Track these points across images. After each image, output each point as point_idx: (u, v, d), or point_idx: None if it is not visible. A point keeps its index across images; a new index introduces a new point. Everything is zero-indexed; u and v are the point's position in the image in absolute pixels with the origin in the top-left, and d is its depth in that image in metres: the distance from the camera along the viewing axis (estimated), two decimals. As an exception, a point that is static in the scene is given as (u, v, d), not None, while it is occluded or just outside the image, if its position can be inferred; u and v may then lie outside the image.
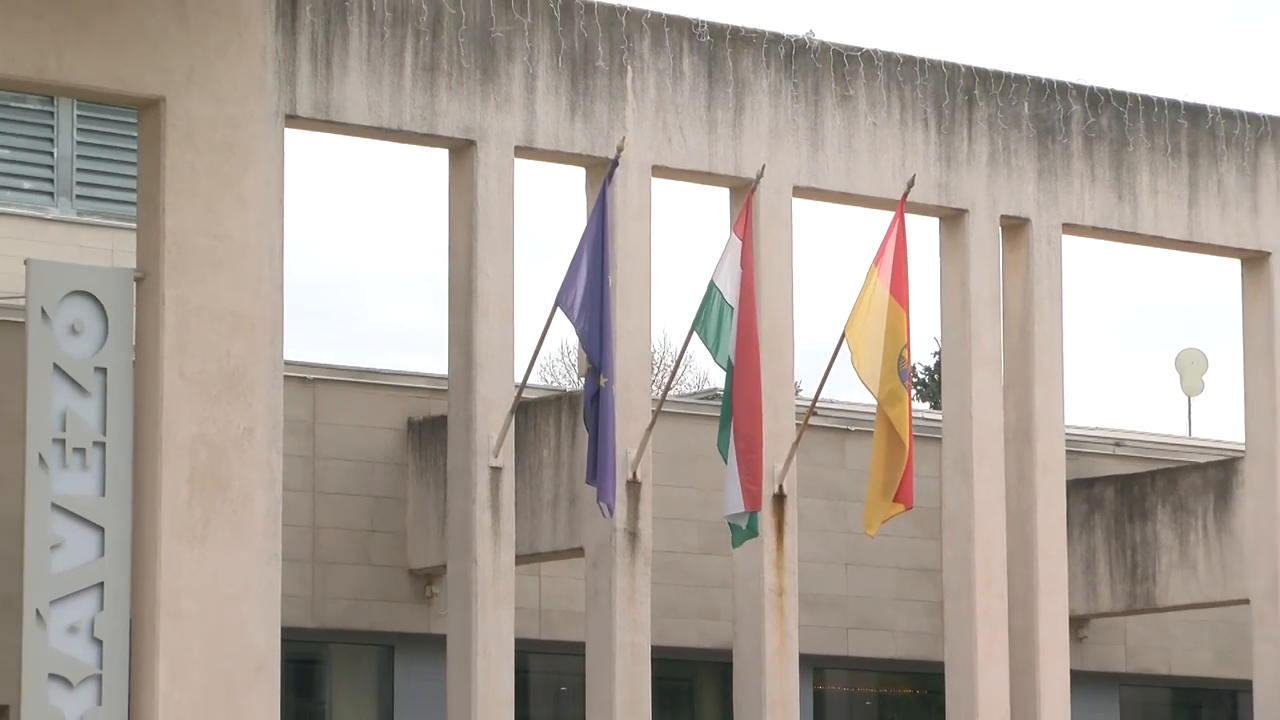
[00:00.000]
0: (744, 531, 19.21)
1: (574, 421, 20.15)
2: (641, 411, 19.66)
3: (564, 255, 18.87)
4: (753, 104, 20.49)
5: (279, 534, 18.39)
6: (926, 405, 24.64)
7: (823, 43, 20.93)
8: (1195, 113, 22.52)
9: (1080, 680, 22.04)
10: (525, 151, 19.66)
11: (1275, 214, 22.69)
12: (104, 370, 17.51)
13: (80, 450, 17.40)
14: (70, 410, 17.38)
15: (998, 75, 21.63)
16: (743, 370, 19.01)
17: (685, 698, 22.96)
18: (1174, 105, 22.40)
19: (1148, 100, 22.27)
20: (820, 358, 19.83)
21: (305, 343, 20.76)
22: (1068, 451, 21.81)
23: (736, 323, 18.99)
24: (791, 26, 20.87)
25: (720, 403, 19.77)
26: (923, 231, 20.92)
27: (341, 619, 21.57)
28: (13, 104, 26.46)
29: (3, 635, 17.60)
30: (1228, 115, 22.67)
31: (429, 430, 21.56)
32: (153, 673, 17.37)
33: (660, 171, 20.16)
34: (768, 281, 19.88)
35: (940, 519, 21.35)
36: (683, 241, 22.92)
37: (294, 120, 18.78)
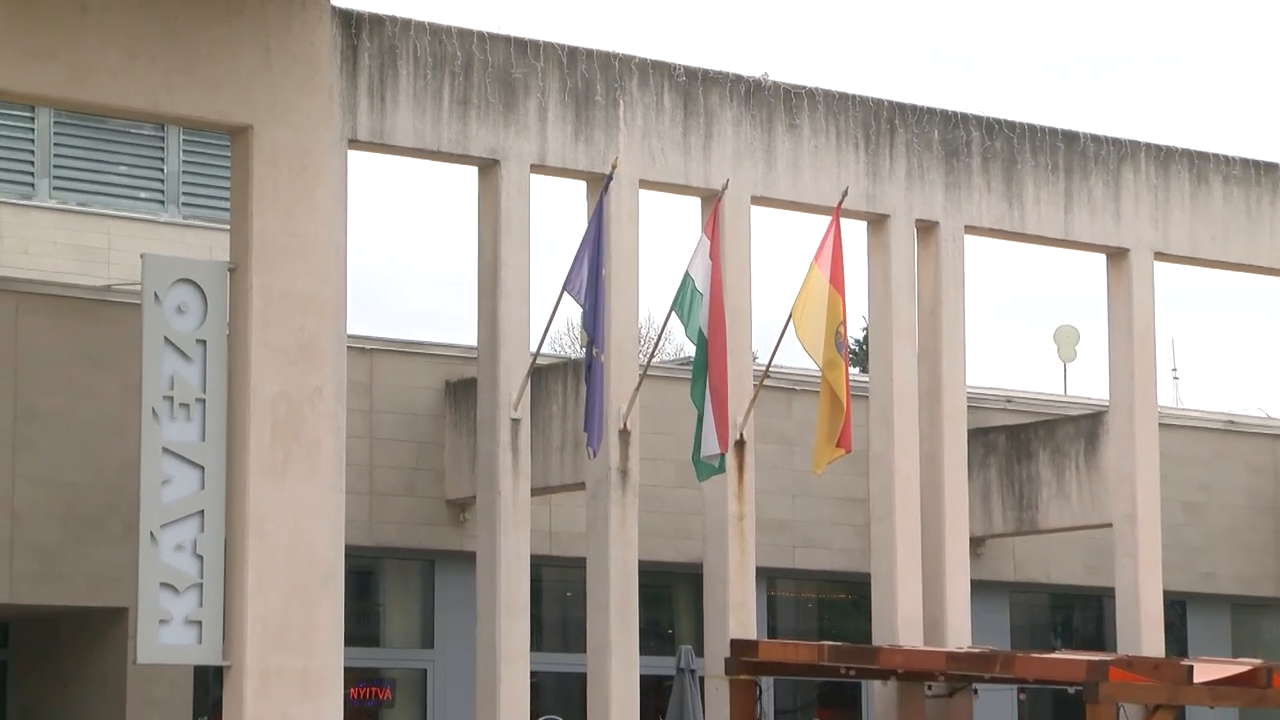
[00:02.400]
0: (714, 469, 19.24)
1: (577, 383, 20.15)
2: (630, 375, 19.65)
3: (569, 251, 18.88)
4: (719, 131, 20.47)
5: (343, 471, 18.39)
6: (857, 370, 24.66)
7: (775, 82, 20.94)
8: (1070, 137, 22.52)
9: (978, 588, 22.04)
10: (539, 168, 19.64)
11: (1133, 218, 22.70)
12: (204, 342, 17.50)
13: (185, 405, 17.39)
14: (177, 374, 17.37)
15: (914, 108, 21.62)
16: (713, 343, 19.04)
17: (666, 601, 22.96)
18: (1053, 131, 22.41)
19: (1032, 128, 22.29)
20: (773, 332, 19.83)
21: (363, 320, 20.79)
22: (968, 406, 21.80)
23: (707, 305, 19.02)
24: (750, 69, 20.94)
25: (693, 368, 19.81)
26: (854, 232, 20.91)
27: (392, 539, 21.58)
28: (132, 130, 26.42)
29: (124, 552, 17.61)
30: (1095, 139, 22.67)
31: (462, 389, 21.55)
32: (242, 582, 17.35)
33: (646, 184, 20.14)
34: (730, 272, 19.86)
35: (868, 460, 21.34)
36: (663, 240, 23.00)
37: (355, 143, 18.76)
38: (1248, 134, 65.65)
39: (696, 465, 19.23)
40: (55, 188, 26.35)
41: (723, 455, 19.10)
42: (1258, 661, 20.12)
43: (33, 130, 26.03)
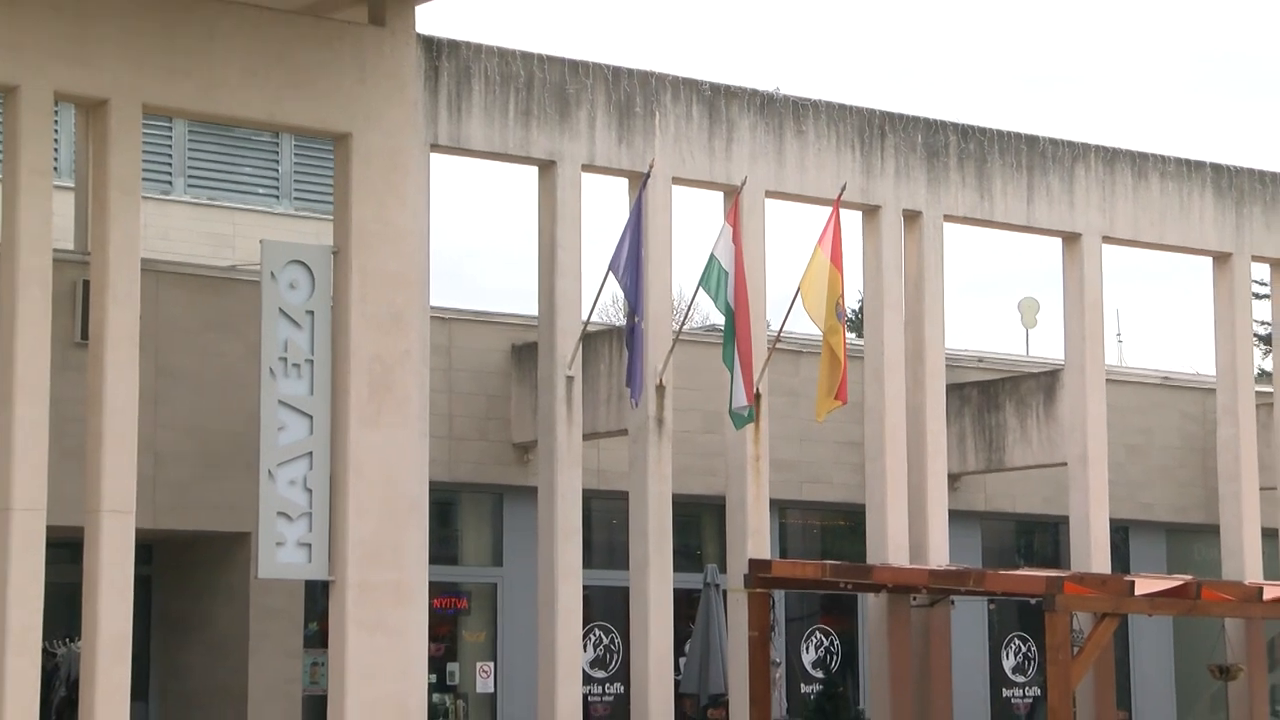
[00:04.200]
0: (745, 418, 19.28)
1: (620, 346, 20.18)
2: (665, 339, 19.66)
3: (613, 237, 18.90)
4: (738, 136, 20.44)
5: (426, 419, 18.45)
6: (853, 335, 24.66)
7: (785, 95, 20.90)
8: (1031, 140, 22.45)
9: (954, 516, 22.04)
10: (588, 168, 19.64)
11: (1084, 207, 22.63)
12: (312, 313, 17.53)
13: (296, 365, 17.42)
14: (290, 339, 17.40)
15: (900, 116, 21.58)
16: (739, 313, 19.03)
17: (694, 528, 23.01)
18: (1017, 135, 22.35)
19: (1000, 132, 22.23)
20: (784, 304, 19.84)
21: (443, 293, 20.79)
22: (946, 365, 21.79)
23: (733, 282, 19.03)
24: (764, 85, 20.91)
25: (719, 334, 19.81)
26: (851, 221, 20.90)
27: (468, 475, 21.62)
28: (252, 137, 26.50)
29: (247, 486, 17.68)
30: (1053, 142, 22.60)
31: (526, 351, 21.58)
32: (344, 511, 17.42)
33: (677, 181, 20.12)
34: (749, 254, 19.86)
35: (862, 410, 21.34)
36: (692, 227, 23.00)
37: (436, 147, 18.79)
38: (1181, 137, 65.34)
39: (732, 416, 19.28)
40: (189, 185, 26.45)
41: (751, 406, 19.16)
42: (1188, 578, 20.14)
43: (171, 138, 26.13)
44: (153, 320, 17.85)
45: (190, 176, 26.43)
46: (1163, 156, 23.44)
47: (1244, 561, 23.08)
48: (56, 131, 19.66)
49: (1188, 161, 23.59)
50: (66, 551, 17.01)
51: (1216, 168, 23.75)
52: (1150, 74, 70.65)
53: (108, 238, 16.69)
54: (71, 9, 16.52)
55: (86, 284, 17.42)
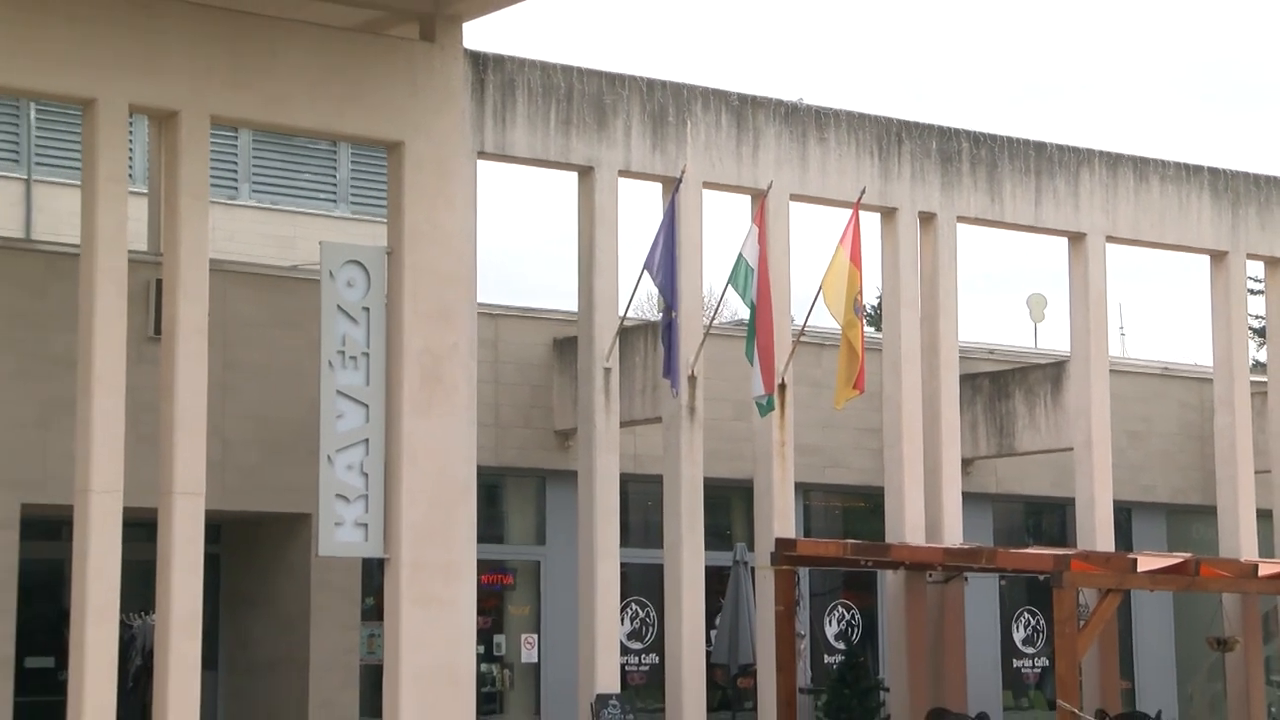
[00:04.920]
0: (766, 406, 19.27)
1: (655, 340, 20.16)
2: (697, 333, 19.65)
3: (648, 237, 18.91)
4: (764, 143, 20.41)
5: (474, 408, 18.46)
6: (872, 329, 24.63)
7: (808, 105, 20.86)
8: (1039, 146, 22.37)
9: (967, 498, 21.98)
10: (624, 174, 19.62)
11: (1089, 209, 22.54)
12: (367, 309, 17.55)
13: (353, 358, 17.44)
14: (347, 333, 17.43)
15: (916, 124, 21.52)
16: (761, 309, 19.01)
17: (724, 509, 23.01)
18: (1025, 142, 22.26)
19: (1010, 139, 22.15)
20: (807, 300, 19.81)
21: (490, 291, 20.79)
22: (959, 357, 21.74)
23: (756, 279, 19.01)
24: (788, 95, 20.88)
25: (746, 328, 19.77)
26: (869, 222, 20.85)
27: (513, 460, 21.64)
28: (311, 146, 26.58)
29: (308, 470, 17.71)
30: (1059, 148, 22.51)
31: (567, 345, 21.59)
32: (397, 493, 17.46)
33: (708, 185, 20.10)
34: (774, 253, 19.84)
35: (881, 399, 21.31)
36: (721, 229, 23.00)
37: (482, 154, 18.79)
38: (1180, 142, 65.05)
39: (757, 405, 19.31)
40: (254, 190, 26.53)
41: (770, 396, 19.14)
42: (1188, 555, 20.06)
43: (236, 146, 26.21)
44: (220, 316, 17.91)
45: (255, 183, 26.51)
46: (1163, 161, 23.34)
47: (1240, 540, 23.01)
48: (131, 141, 19.74)
49: (1186, 166, 23.50)
50: (142, 531, 17.08)
51: (1214, 171, 23.66)
52: (1151, 84, 70.35)
53: (178, 240, 16.76)
54: (145, 27, 16.58)
55: (159, 283, 17.49)
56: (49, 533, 18.38)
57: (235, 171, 26.21)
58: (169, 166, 17.08)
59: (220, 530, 20.03)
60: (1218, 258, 23.59)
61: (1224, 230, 23.53)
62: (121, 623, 16.63)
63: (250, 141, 26.28)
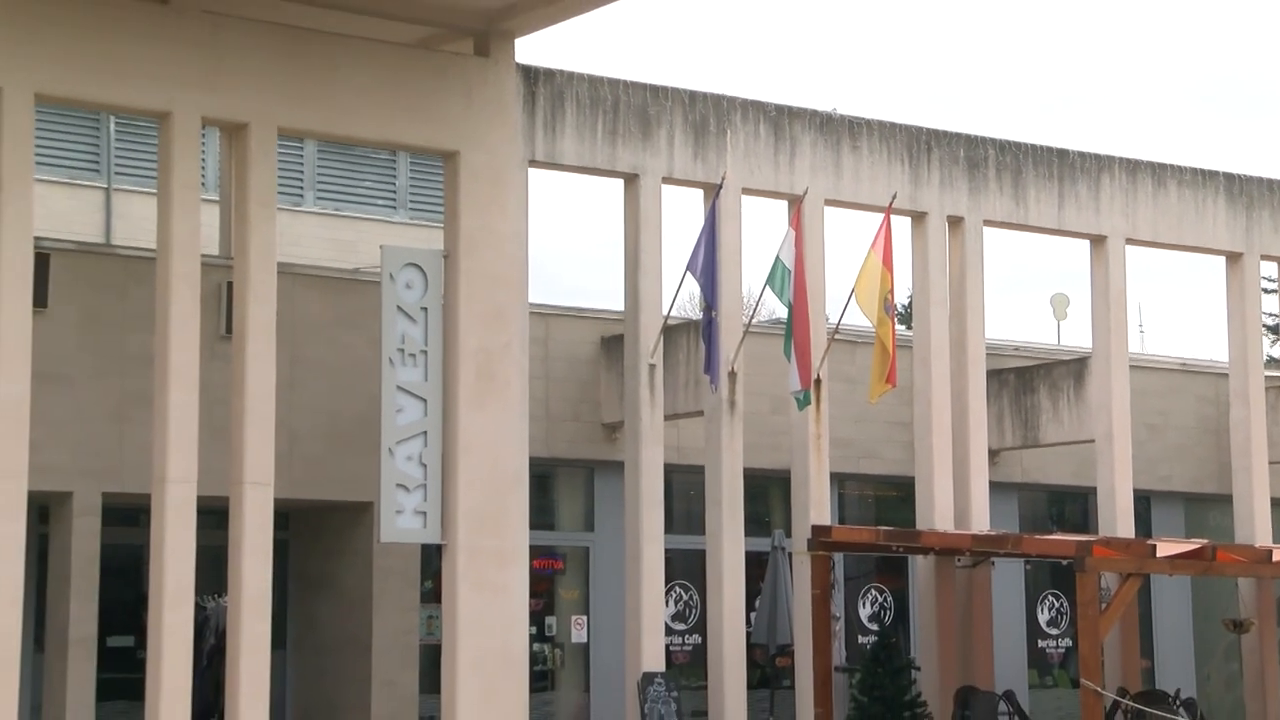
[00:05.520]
0: (802, 401, 19.24)
1: (697, 338, 20.16)
2: (736, 331, 19.64)
3: (690, 240, 18.90)
4: (800, 151, 20.37)
5: (526, 403, 18.48)
6: (904, 327, 24.56)
7: (842, 115, 20.82)
8: (1062, 153, 22.29)
9: (994, 487, 21.94)
10: (668, 180, 19.62)
11: (1109, 213, 22.44)
12: (425, 309, 17.58)
13: (412, 355, 17.47)
14: (406, 332, 17.46)
15: (944, 133, 21.46)
16: (797, 309, 18.98)
17: (763, 498, 22.96)
18: (1049, 149, 22.19)
19: (1034, 146, 22.07)
20: (841, 300, 19.76)
21: (540, 291, 20.82)
22: (986, 353, 21.67)
23: (793, 280, 18.97)
24: (823, 105, 20.87)
25: (783, 327, 19.75)
26: (900, 226, 20.81)
27: (563, 452, 21.64)
28: (372, 155, 26.64)
29: (370, 461, 17.77)
30: (1080, 154, 22.43)
31: (614, 342, 21.60)
32: (454, 483, 17.49)
33: (747, 191, 20.08)
34: (809, 255, 19.81)
35: (912, 393, 21.26)
36: (759, 233, 22.94)
37: (533, 163, 18.81)
38: (1196, 149, 64.59)
39: (795, 399, 19.30)
40: (318, 198, 26.60)
41: (806, 390, 19.11)
42: (1204, 541, 19.96)
43: (302, 156, 26.29)
44: (287, 316, 17.97)
45: (319, 190, 26.58)
46: (1180, 167, 23.22)
47: (1254, 527, 22.91)
48: (203, 152, 19.84)
49: (1202, 171, 23.36)
50: (214, 518, 17.17)
51: (1229, 176, 23.52)
52: (1168, 94, 69.91)
53: (248, 244, 16.83)
54: (216, 45, 16.66)
55: (230, 285, 17.57)
56: (128, 520, 18.49)
57: (301, 180, 26.29)
58: (239, 175, 17.15)
59: (288, 518, 20.12)
60: (1233, 259, 23.46)
61: (1239, 232, 23.39)
62: (196, 605, 16.68)
63: (315, 152, 26.36)
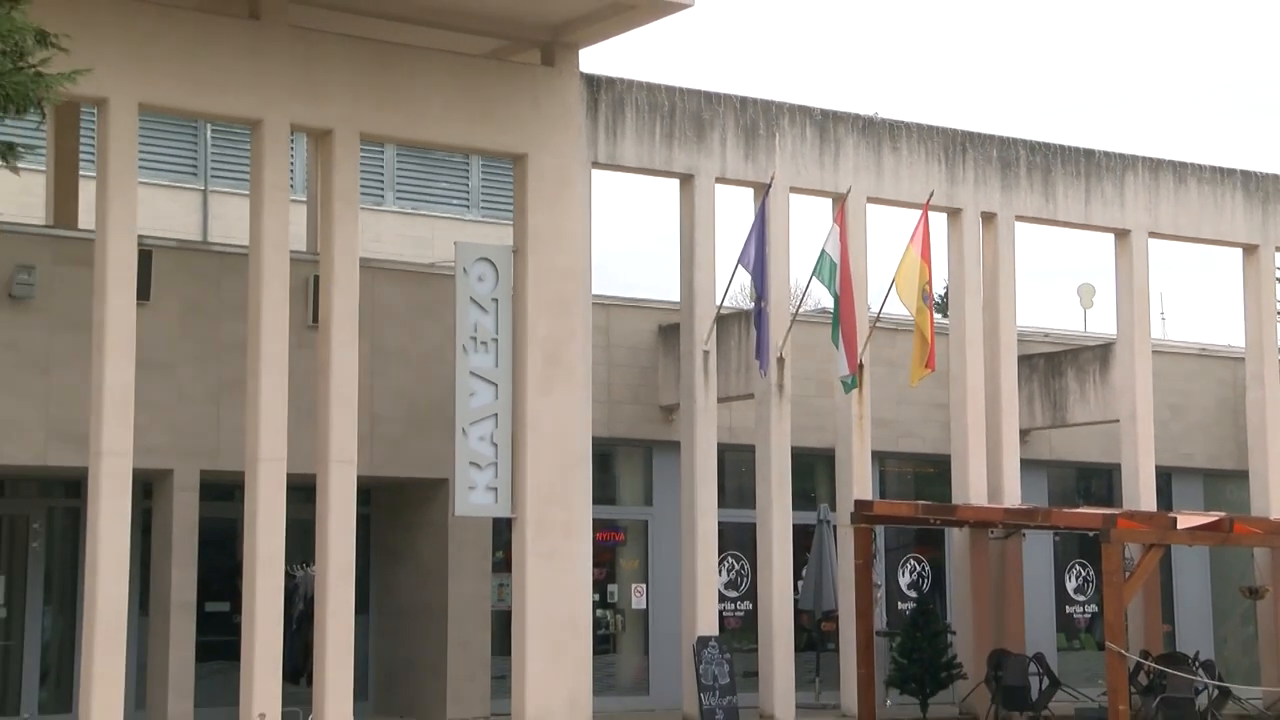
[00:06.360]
0: (849, 384, 19.16)
1: (748, 326, 20.10)
2: (784, 320, 19.58)
3: (741, 235, 18.85)
4: (843, 152, 20.27)
5: (590, 387, 18.49)
6: (940, 315, 24.41)
7: (883, 119, 20.70)
8: (1088, 153, 22.10)
9: (1025, 464, 21.81)
10: (720, 180, 19.56)
11: (1133, 208, 22.24)
12: (496, 300, 17.63)
13: (484, 343, 17.53)
14: (478, 322, 17.51)
15: (978, 134, 21.32)
16: (844, 299, 18.90)
17: (809, 474, 22.87)
18: (1076, 149, 22.01)
19: (1062, 146, 21.89)
20: (882, 291, 19.69)
21: (602, 284, 20.79)
22: (1018, 340, 21.53)
23: (839, 272, 18.89)
24: (865, 110, 20.76)
25: (828, 316, 19.66)
26: (937, 221, 20.68)
27: (624, 432, 21.62)
28: (447, 158, 26.70)
29: (446, 441, 17.86)
30: (1107, 154, 22.24)
31: (670, 331, 21.54)
32: (523, 461, 17.55)
33: (794, 190, 20.00)
34: (853, 249, 19.71)
35: (948, 377, 21.14)
36: (806, 228, 22.84)
37: (596, 165, 18.78)
38: (1215, 148, 63.92)
39: (842, 383, 19.23)
40: (397, 198, 26.70)
41: (853, 375, 19.04)
42: (1222, 514, 19.78)
43: (382, 160, 26.39)
44: (369, 307, 18.06)
45: (398, 191, 26.68)
46: (1199, 165, 22.99)
47: (1269, 501, 22.71)
48: (291, 156, 19.95)
49: (1220, 169, 23.12)
50: (302, 494, 17.27)
51: (1245, 174, 23.28)
52: (1189, 96, 69.24)
53: (333, 241, 16.91)
54: (304, 57, 16.74)
55: (316, 278, 17.65)
56: (223, 495, 18.62)
57: (381, 181, 26.39)
58: (324, 177, 17.23)
59: (370, 493, 20.22)
60: (1249, 250, 23.23)
61: (1255, 226, 23.16)
62: (286, 573, 16.81)
63: (394, 155, 26.44)
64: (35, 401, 16.96)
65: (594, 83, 18.76)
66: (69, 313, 16.91)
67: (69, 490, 18.27)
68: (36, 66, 9.46)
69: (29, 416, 16.93)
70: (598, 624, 20.92)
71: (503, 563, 19.85)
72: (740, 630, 21.95)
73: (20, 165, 10.10)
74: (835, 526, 20.59)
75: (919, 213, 19.43)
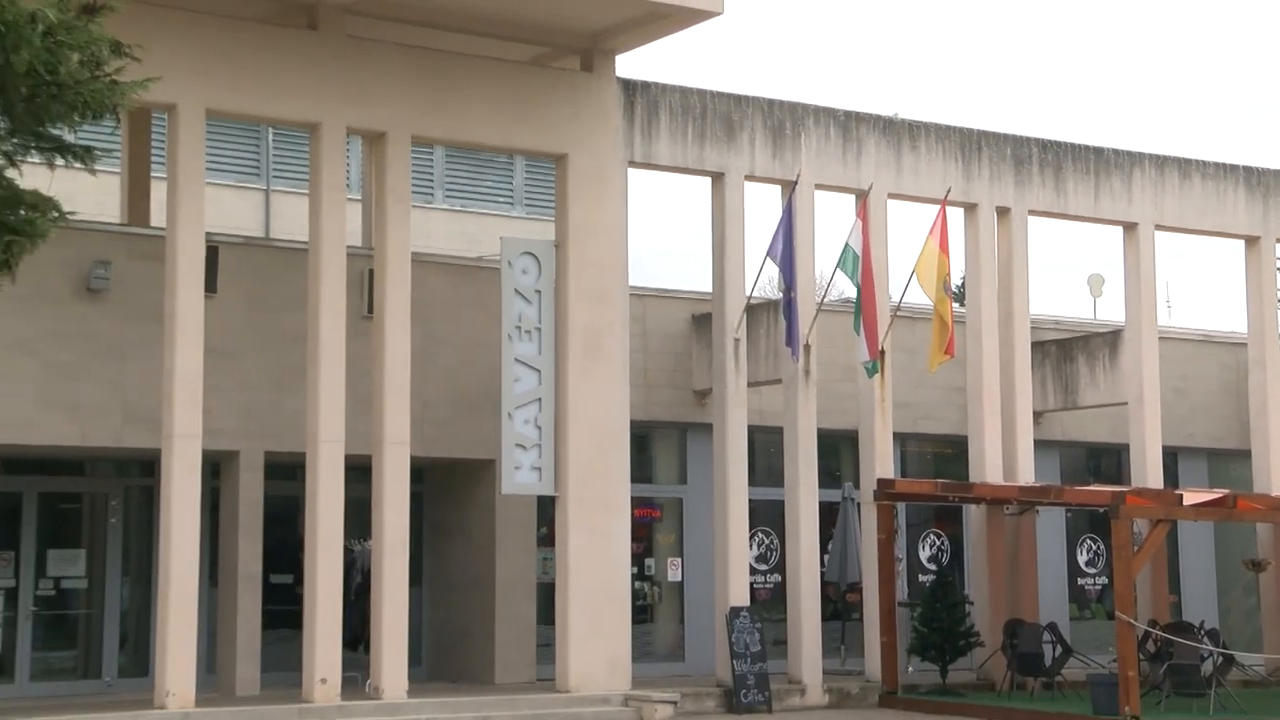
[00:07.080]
0: (871, 370, 19.13)
1: (776, 315, 20.08)
2: (810, 309, 19.55)
3: (769, 230, 18.81)
4: (865, 150, 20.22)
5: (627, 373, 18.52)
6: (958, 304, 24.33)
7: (902, 119, 20.64)
8: (1098, 150, 21.98)
9: (1038, 445, 21.75)
10: (750, 178, 19.54)
11: (1140, 202, 22.11)
12: (539, 291, 17.69)
13: (528, 332, 17.59)
14: (522, 312, 17.58)
15: (993, 133, 21.22)
16: (865, 288, 18.87)
17: (834, 452, 22.83)
18: (1086, 147, 21.89)
19: (1073, 145, 21.77)
20: (903, 281, 19.64)
21: (639, 276, 20.80)
22: (1031, 327, 21.45)
23: (861, 264, 18.85)
24: (886, 110, 20.70)
25: (852, 305, 19.61)
26: (955, 216, 20.60)
27: (659, 414, 21.62)
28: (492, 159, 26.75)
29: (493, 424, 17.93)
30: (1115, 151, 22.11)
31: (703, 319, 21.53)
32: (565, 442, 17.61)
33: (819, 187, 19.96)
34: (875, 242, 19.67)
35: (965, 362, 21.09)
36: (831, 223, 22.84)
37: (632, 164, 18.79)
38: (1218, 144, 63.46)
39: (864, 368, 19.21)
40: (446, 196, 26.77)
41: (874, 361, 19.01)
42: (1226, 491, 19.67)
43: (432, 160, 26.46)
44: (420, 299, 18.13)
45: (447, 189, 26.74)
46: (1203, 161, 22.85)
47: (1271, 479, 22.58)
48: (348, 157, 20.04)
49: (1223, 165, 22.97)
50: (359, 473, 17.36)
51: (1247, 169, 23.12)
52: (1193, 96, 68.74)
53: (386, 237, 16.99)
54: (359, 65, 16.81)
55: (371, 272, 17.73)
56: (286, 474, 18.72)
57: (431, 181, 26.46)
58: (378, 177, 17.31)
59: (422, 473, 20.30)
60: (1251, 242, 23.08)
61: (1256, 218, 23.01)
62: (345, 547, 16.91)
63: (443, 156, 26.51)
64: (112, 387, 17.11)
65: (630, 87, 18.77)
66: (142, 305, 17.05)
67: (144, 470, 18.43)
68: (111, 75, 9.58)
69: (107, 401, 17.08)
70: (636, 595, 20.97)
71: (547, 538, 19.90)
72: (770, 601, 21.96)
73: (97, 167, 10.21)
74: (859, 503, 20.58)
75: (937, 208, 19.38)
